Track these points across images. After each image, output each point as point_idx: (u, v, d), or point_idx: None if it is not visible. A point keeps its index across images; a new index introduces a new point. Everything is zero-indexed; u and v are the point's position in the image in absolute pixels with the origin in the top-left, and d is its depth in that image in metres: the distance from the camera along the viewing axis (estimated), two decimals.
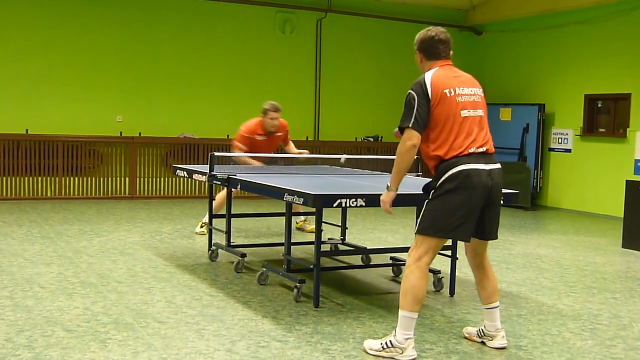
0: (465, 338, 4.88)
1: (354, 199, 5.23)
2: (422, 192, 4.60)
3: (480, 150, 4.42)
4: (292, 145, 9.17)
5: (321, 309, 5.58)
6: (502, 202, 4.69)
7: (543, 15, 13.44)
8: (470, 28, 15.11)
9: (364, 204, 5.27)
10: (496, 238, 4.68)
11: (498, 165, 4.53)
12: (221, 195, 8.50)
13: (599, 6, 12.35)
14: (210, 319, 5.19)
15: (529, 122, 13.40)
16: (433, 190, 4.44)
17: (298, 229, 9.34)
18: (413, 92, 4.45)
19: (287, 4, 13.71)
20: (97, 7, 12.49)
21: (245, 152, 8.63)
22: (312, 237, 6.04)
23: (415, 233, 4.50)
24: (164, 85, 13.03)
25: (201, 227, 8.97)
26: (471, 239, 4.56)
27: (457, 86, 4.48)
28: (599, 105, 12.83)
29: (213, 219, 7.60)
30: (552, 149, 13.46)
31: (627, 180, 9.29)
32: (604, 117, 12.83)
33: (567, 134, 13.16)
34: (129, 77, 12.77)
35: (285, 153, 9.17)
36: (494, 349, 4.68)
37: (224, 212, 7.43)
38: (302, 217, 9.34)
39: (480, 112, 4.52)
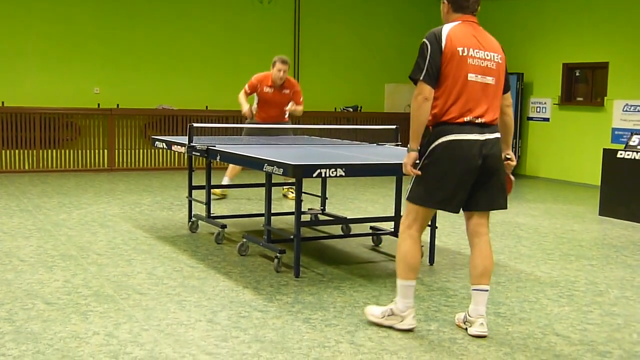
0: (457, 325, 4.58)
1: (333, 169, 5.22)
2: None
3: (478, 120, 4.22)
4: (299, 107, 9.11)
5: (302, 278, 5.61)
6: (502, 173, 4.46)
7: None
8: None
9: (343, 173, 5.27)
10: (500, 208, 4.52)
11: (496, 135, 4.33)
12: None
13: None
14: (191, 290, 5.20)
15: None
16: (424, 157, 4.26)
17: (284, 195, 9.51)
18: (427, 42, 4.18)
19: None
20: None
21: (247, 94, 8.92)
22: (292, 208, 6.05)
23: (406, 199, 4.41)
24: (142, 57, 12.93)
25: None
26: (468, 211, 4.45)
27: (472, 47, 4.24)
28: (577, 74, 12.88)
29: (193, 190, 7.58)
30: (531, 118, 13.52)
31: (604, 149, 9.37)
32: (582, 86, 12.89)
33: (545, 103, 13.22)
34: (106, 48, 12.67)
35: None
36: (472, 336, 4.37)
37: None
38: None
39: (489, 80, 4.28)
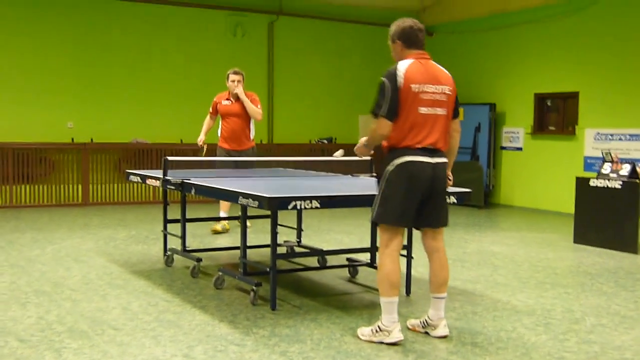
0: (409, 329, 5.07)
1: (308, 201, 5.23)
2: (374, 178, 5.00)
3: (430, 147, 4.69)
4: (253, 107, 9.23)
5: (278, 311, 5.58)
6: (447, 193, 5.02)
7: (493, 15, 13.62)
8: None
9: (319, 205, 5.27)
10: (446, 225, 4.99)
11: (444, 160, 4.80)
12: None
13: (546, 6, 12.56)
14: (167, 325, 5.16)
15: (481, 121, 13.57)
16: (383, 178, 4.74)
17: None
18: (387, 81, 4.64)
19: (238, 7, 13.69)
20: (47, 11, 12.34)
21: (212, 115, 9.43)
22: (268, 240, 6.03)
23: (372, 220, 4.90)
24: (115, 91, 12.91)
25: (218, 223, 9.32)
26: (423, 228, 4.94)
27: (425, 82, 4.67)
28: (549, 103, 13.03)
29: (168, 224, 7.54)
30: (504, 148, 13.63)
31: (577, 177, 9.45)
32: (553, 115, 13.04)
33: (518, 133, 13.35)
34: (79, 82, 12.63)
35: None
36: (437, 338, 4.89)
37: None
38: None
39: (439, 111, 4.73)
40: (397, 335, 4.72)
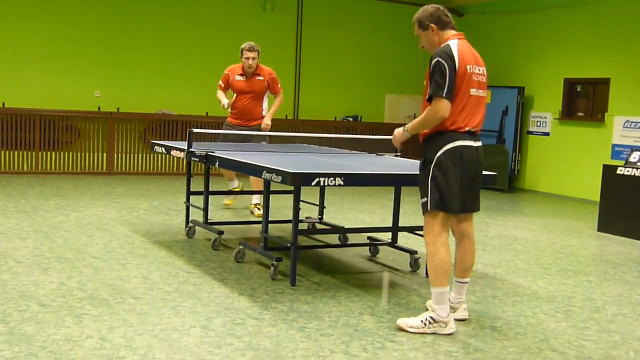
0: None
1: (332, 178, 5.21)
2: (420, 169, 4.71)
3: (474, 129, 4.62)
4: (277, 100, 8.83)
5: (298, 287, 5.58)
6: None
7: None
8: (452, 9, 15.02)
9: (342, 182, 5.26)
10: (479, 209, 4.92)
11: (481, 143, 4.72)
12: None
13: None
14: (187, 296, 5.18)
15: (508, 104, 13.45)
16: (432, 165, 4.55)
17: (251, 211, 8.99)
18: (443, 61, 4.46)
19: None
20: None
21: (223, 90, 8.69)
22: (289, 215, 6.03)
23: (429, 209, 4.59)
24: (143, 61, 12.92)
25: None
26: (461, 213, 4.77)
27: (474, 63, 4.60)
28: (578, 89, 12.88)
29: (191, 196, 7.56)
30: (531, 132, 13.52)
31: (604, 165, 9.36)
32: (582, 102, 12.89)
33: (545, 118, 13.22)
34: (107, 51, 12.65)
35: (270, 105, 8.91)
36: (456, 320, 4.77)
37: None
38: (256, 200, 8.91)
39: (483, 93, 4.68)
40: (453, 326, 4.61)
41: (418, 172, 4.74)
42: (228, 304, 5.05)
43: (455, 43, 4.57)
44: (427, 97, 4.53)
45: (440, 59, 4.47)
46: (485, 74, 4.70)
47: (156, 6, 12.96)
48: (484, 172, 5.08)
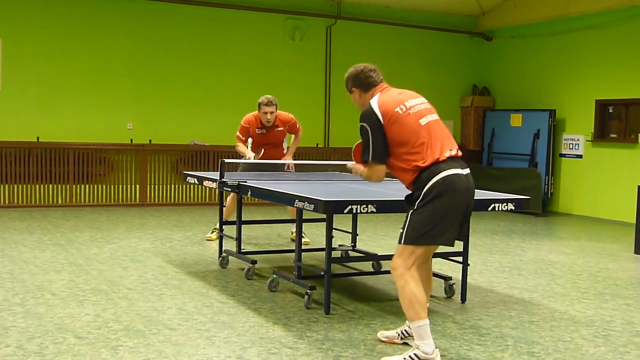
0: (383, 342, 4.90)
1: (364, 205, 5.22)
2: (405, 202, 4.61)
3: (452, 153, 4.47)
4: (296, 138, 8.88)
5: (332, 315, 5.56)
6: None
7: (553, 20, 13.40)
8: (481, 34, 15.09)
9: (374, 210, 5.26)
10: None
11: (468, 170, 4.57)
12: (230, 201, 8.45)
13: (609, 11, 12.31)
14: (221, 326, 5.18)
15: (540, 127, 13.37)
16: (418, 200, 4.41)
17: (292, 240, 8.94)
18: (365, 125, 4.47)
19: (297, 11, 13.72)
20: (108, 13, 12.51)
21: (244, 142, 8.60)
22: (322, 244, 6.02)
23: (403, 243, 4.50)
24: (175, 92, 13.03)
25: (212, 232, 8.95)
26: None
27: (404, 101, 4.54)
28: (610, 110, 12.77)
29: (224, 226, 7.59)
30: (563, 155, 13.41)
31: (639, 186, 9.24)
32: (615, 123, 12.78)
33: (578, 140, 13.12)
34: (139, 83, 12.79)
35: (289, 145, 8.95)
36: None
37: (233, 218, 7.42)
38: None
39: (436, 117, 4.59)
40: None
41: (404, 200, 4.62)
42: (263, 333, 5.04)
43: (375, 99, 4.55)
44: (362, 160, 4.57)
45: (363, 124, 4.49)
46: (425, 101, 4.65)
47: (187, 39, 13.09)
48: (517, 197, 5.01)
